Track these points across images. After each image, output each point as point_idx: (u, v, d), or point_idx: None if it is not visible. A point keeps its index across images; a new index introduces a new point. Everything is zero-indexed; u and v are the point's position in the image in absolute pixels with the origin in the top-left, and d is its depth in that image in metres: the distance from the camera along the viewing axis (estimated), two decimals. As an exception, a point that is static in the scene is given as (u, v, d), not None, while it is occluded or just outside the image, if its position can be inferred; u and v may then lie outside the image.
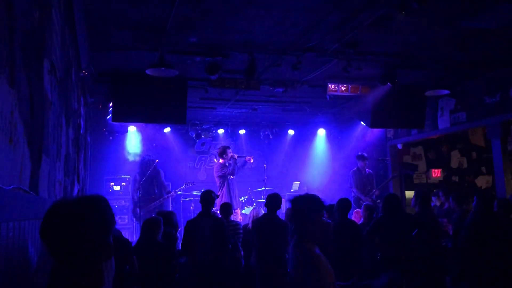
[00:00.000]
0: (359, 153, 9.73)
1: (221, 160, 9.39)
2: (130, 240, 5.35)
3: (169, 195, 9.66)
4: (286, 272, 5.76)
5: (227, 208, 6.63)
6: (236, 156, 9.39)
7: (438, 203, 8.96)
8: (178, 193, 9.92)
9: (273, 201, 5.79)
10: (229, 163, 9.31)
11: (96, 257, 1.52)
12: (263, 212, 6.73)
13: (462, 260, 5.40)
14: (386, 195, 6.15)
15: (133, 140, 10.78)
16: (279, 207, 5.81)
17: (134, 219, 9.47)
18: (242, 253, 6.48)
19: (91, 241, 1.49)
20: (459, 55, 6.76)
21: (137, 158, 10.45)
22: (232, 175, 9.23)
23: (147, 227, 5.30)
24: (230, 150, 9.51)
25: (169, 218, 6.05)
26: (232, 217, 8.86)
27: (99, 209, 1.54)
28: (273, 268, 5.63)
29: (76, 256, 1.48)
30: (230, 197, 9.14)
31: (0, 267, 1.69)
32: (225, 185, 9.21)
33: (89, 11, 4.95)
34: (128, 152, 10.65)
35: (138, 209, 8.86)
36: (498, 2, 4.90)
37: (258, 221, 5.89)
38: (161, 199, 9.38)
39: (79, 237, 1.47)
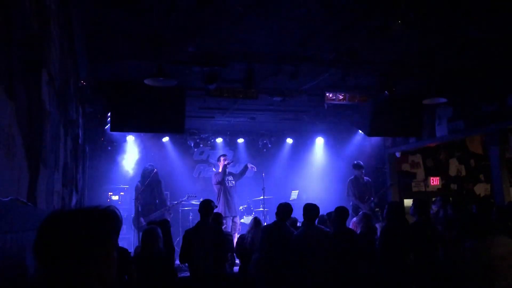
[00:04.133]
0: (355, 162, 9.73)
1: (220, 169, 9.47)
2: (128, 250, 5.33)
3: (167, 209, 9.59)
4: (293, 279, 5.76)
5: (217, 219, 6.63)
6: (225, 162, 9.44)
7: (435, 210, 8.91)
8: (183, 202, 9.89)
9: (283, 210, 5.83)
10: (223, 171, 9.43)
11: (96, 275, 1.43)
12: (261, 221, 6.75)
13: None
14: (389, 202, 6.16)
15: (131, 149, 10.76)
16: (289, 217, 5.85)
17: (134, 228, 9.41)
18: (237, 261, 6.48)
19: (87, 255, 1.41)
20: (456, 64, 6.79)
21: (135, 168, 10.43)
22: (221, 184, 9.30)
23: (147, 236, 5.29)
24: (224, 158, 9.56)
25: (165, 226, 6.03)
26: (232, 226, 8.92)
27: (97, 222, 1.45)
28: (281, 276, 5.63)
29: (72, 276, 1.39)
30: (227, 206, 9.17)
31: (-2, 279, 1.68)
32: (221, 193, 9.28)
33: (87, 23, 4.97)
34: (127, 162, 10.63)
35: (141, 218, 8.82)
36: (494, 11, 4.94)
37: (267, 229, 5.92)
38: (163, 209, 9.35)
39: (74, 251, 1.39)
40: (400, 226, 5.71)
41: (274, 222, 5.99)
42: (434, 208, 8.63)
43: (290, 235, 5.79)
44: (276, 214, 5.92)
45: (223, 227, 6.85)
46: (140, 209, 8.88)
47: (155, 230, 5.35)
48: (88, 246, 1.42)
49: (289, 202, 6.12)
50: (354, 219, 7.70)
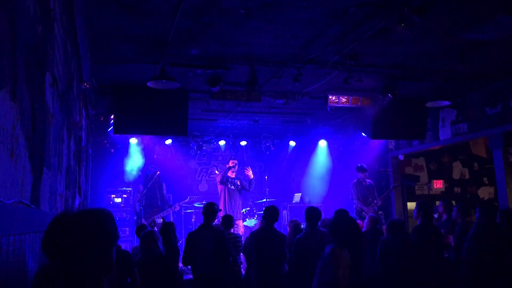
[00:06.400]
0: (358, 164, 9.73)
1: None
2: (130, 252, 5.33)
3: (172, 208, 9.66)
4: (285, 284, 5.73)
5: (229, 221, 6.62)
6: (231, 164, 9.62)
7: (436, 214, 8.87)
8: (184, 204, 9.96)
9: (270, 213, 5.78)
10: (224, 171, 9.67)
11: (96, 272, 1.52)
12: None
13: (466, 272, 5.36)
14: (389, 220, 5.99)
15: (134, 152, 10.79)
16: (276, 219, 5.81)
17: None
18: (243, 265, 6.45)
19: (91, 255, 1.50)
20: (459, 67, 6.77)
21: (138, 171, 10.47)
22: (224, 185, 9.44)
23: (145, 240, 5.30)
24: (232, 161, 9.68)
25: (170, 228, 6.04)
26: (234, 229, 8.94)
27: (100, 223, 1.54)
28: (272, 280, 5.59)
29: (76, 271, 1.48)
30: (230, 208, 9.24)
31: (0, 280, 1.68)
32: (223, 194, 9.46)
33: (91, 25, 4.99)
34: (129, 164, 10.65)
35: (143, 220, 8.84)
36: (497, 14, 4.92)
37: (255, 234, 5.86)
38: (164, 212, 9.39)
39: (79, 251, 1.48)
40: (400, 242, 5.57)
41: (262, 227, 5.95)
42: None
43: (281, 238, 5.75)
44: (263, 217, 5.85)
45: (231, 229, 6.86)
46: (142, 211, 8.91)
47: (152, 232, 5.38)
48: (88, 247, 1.50)
49: (278, 203, 6.08)
50: (358, 222, 7.69)
